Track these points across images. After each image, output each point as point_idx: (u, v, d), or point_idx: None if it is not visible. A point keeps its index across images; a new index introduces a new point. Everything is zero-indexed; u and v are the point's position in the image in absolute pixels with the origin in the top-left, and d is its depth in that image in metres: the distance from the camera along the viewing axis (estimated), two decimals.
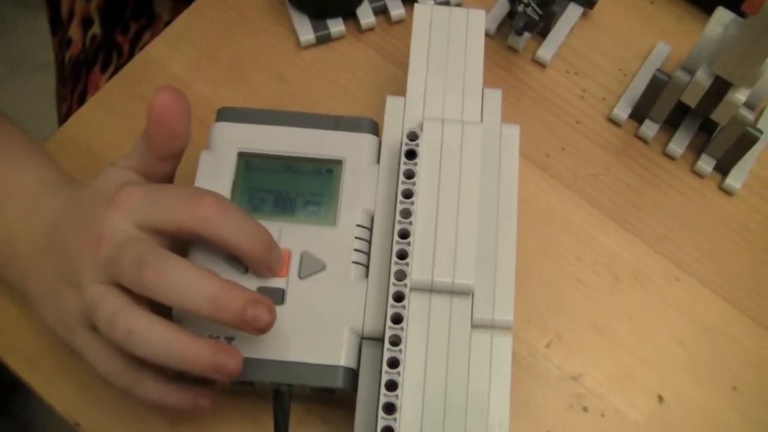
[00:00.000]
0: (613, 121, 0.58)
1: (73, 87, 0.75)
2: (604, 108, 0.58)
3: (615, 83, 0.59)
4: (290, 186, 0.47)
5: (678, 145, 0.56)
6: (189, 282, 0.39)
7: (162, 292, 0.39)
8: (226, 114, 0.49)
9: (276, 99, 0.57)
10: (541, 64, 0.60)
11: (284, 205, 0.47)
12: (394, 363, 0.41)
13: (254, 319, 0.40)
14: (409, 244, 0.43)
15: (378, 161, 0.48)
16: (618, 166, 0.57)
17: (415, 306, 0.43)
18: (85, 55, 0.76)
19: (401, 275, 0.43)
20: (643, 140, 0.57)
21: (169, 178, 0.47)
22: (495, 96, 0.50)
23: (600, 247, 0.54)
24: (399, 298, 0.42)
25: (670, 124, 0.57)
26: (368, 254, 0.46)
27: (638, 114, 0.57)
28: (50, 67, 1.46)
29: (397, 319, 0.42)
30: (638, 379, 0.51)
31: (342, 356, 0.43)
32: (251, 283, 0.44)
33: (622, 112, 0.58)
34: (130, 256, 0.40)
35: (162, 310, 0.41)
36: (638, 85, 0.58)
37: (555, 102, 0.59)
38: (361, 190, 0.47)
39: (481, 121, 0.49)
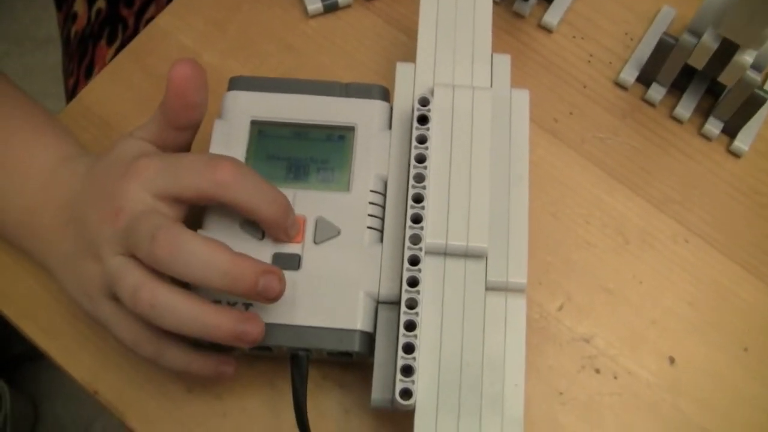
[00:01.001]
0: (620, 85, 0.57)
1: (80, 61, 0.75)
2: (611, 72, 0.58)
3: (621, 47, 0.59)
4: (303, 153, 0.47)
5: (685, 108, 0.56)
6: (201, 257, 0.39)
7: (174, 268, 0.40)
8: (238, 83, 0.49)
9: (284, 68, 0.57)
10: (548, 30, 0.59)
11: (298, 172, 0.47)
12: (410, 326, 0.41)
13: (266, 290, 0.40)
14: (423, 208, 0.44)
15: (389, 127, 0.48)
16: (625, 130, 0.56)
17: (430, 269, 0.43)
18: (90, 29, 0.75)
19: (416, 239, 0.43)
20: (650, 104, 0.57)
21: (185, 149, 0.47)
22: (504, 61, 0.50)
23: (609, 209, 0.54)
24: (414, 261, 0.43)
25: (677, 88, 0.57)
26: (382, 219, 0.46)
27: (645, 78, 0.57)
28: (51, 43, 1.46)
29: (413, 283, 0.42)
30: (649, 340, 0.51)
31: (358, 320, 0.43)
32: (267, 248, 0.44)
33: (629, 75, 0.57)
34: (144, 231, 0.40)
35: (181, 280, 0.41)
36: (645, 49, 0.57)
37: (562, 67, 0.58)
38: (374, 155, 0.47)
39: (491, 86, 0.49)
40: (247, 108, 0.47)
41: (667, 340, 0.51)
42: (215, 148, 0.46)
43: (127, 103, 0.56)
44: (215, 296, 0.43)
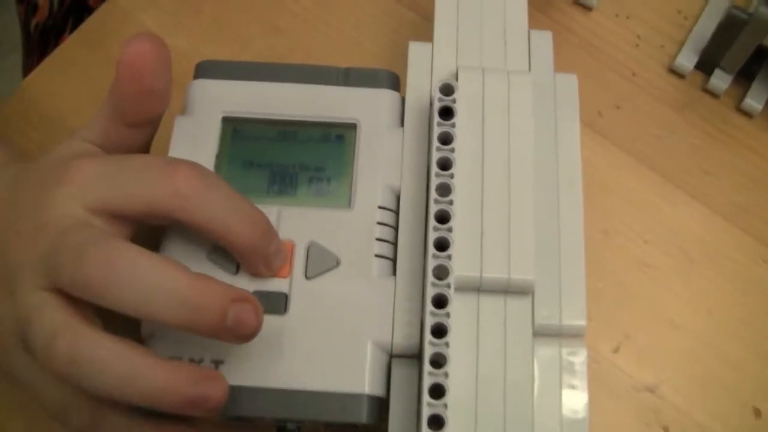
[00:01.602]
0: (676, 72, 0.49)
1: (41, 56, 0.67)
2: (664, 57, 0.50)
3: (674, 27, 0.51)
4: (291, 158, 0.38)
5: (756, 98, 0.48)
6: (147, 279, 0.30)
7: (111, 294, 0.30)
8: (206, 69, 0.40)
9: (270, 54, 0.49)
10: (586, 6, 0.51)
11: (283, 183, 0.38)
12: (437, 390, 0.31)
13: (238, 323, 0.31)
14: (449, 230, 0.33)
15: (401, 124, 0.39)
16: (684, 126, 0.48)
17: (461, 311, 0.33)
18: (53, 20, 0.68)
19: (442, 272, 0.33)
20: (713, 94, 0.49)
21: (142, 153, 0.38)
22: (544, 39, 0.41)
23: (668, 221, 0.46)
24: (440, 302, 0.33)
25: (745, 75, 0.48)
26: (395, 244, 0.37)
27: (706, 63, 0.49)
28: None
29: (440, 331, 0.32)
30: (728, 387, 0.42)
31: (366, 381, 0.34)
32: (243, 286, 0.34)
33: (686, 60, 0.49)
34: (69, 248, 0.31)
35: (129, 329, 0.33)
36: (703, 29, 0.49)
37: (605, 51, 0.50)
38: (382, 161, 0.38)
39: (529, 70, 0.39)
40: (218, 101, 0.39)
41: (750, 386, 0.42)
42: (176, 152, 0.37)
43: (78, 96, 0.48)
44: (173, 353, 0.32)
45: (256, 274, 0.35)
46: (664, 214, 0.46)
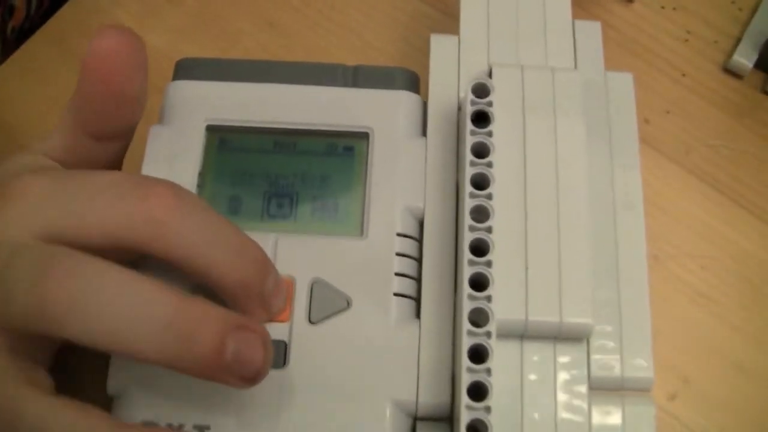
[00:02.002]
0: (732, 72, 0.44)
1: None
2: (718, 54, 0.45)
3: (728, 20, 0.45)
4: (289, 175, 0.32)
5: None
6: (124, 297, 0.24)
7: (77, 319, 0.24)
8: (188, 68, 0.34)
9: (263, 53, 0.44)
10: None
11: (281, 206, 0.31)
12: None
13: (239, 359, 0.25)
14: (488, 264, 0.27)
15: (423, 132, 0.33)
16: (743, 134, 0.43)
17: (503, 366, 0.27)
18: (30, 23, 0.62)
19: (480, 317, 0.26)
20: None
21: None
22: (591, 31, 0.35)
23: (728, 245, 0.40)
24: (479, 355, 0.26)
25: None
26: (418, 280, 0.30)
27: (767, 61, 0.43)
28: None
29: (478, 391, 0.25)
30: None
31: None
32: None
33: (744, 58, 0.44)
34: (20, 270, 0.25)
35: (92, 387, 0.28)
36: (762, 21, 0.44)
37: (650, 48, 0.45)
38: (401, 177, 0.31)
39: (575, 67, 0.32)
40: (201, 106, 0.33)
41: None
42: (150, 169, 0.31)
43: (40, 102, 0.43)
44: (147, 415, 0.26)
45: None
46: (724, 236, 0.41)
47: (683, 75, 0.44)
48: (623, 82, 0.33)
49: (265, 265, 0.28)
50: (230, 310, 0.26)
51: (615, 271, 0.30)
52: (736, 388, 0.37)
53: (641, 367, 0.29)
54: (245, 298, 0.28)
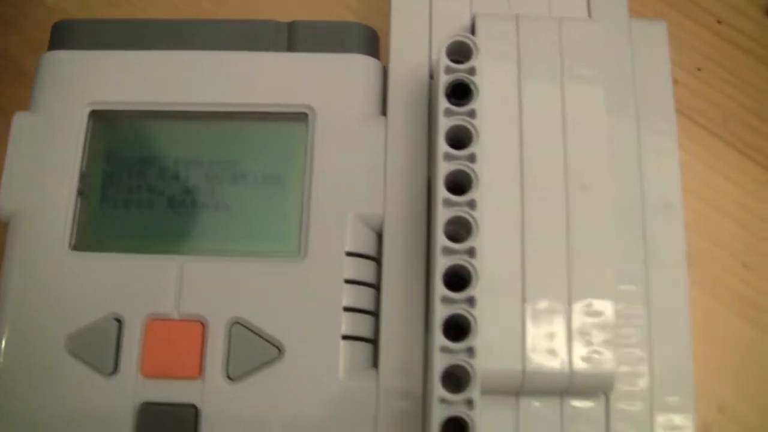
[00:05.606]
0: None
1: None
2: None
3: None
4: (201, 175, 0.25)
5: None
6: None
7: None
8: (68, 33, 0.27)
9: (180, 10, 0.37)
10: None
11: (189, 217, 0.25)
12: None
13: None
14: (470, 301, 0.19)
15: (383, 110, 0.25)
16: None
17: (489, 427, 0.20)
18: None
19: (459, 375, 0.19)
20: None
21: None
22: None
23: None
24: (458, 428, 0.19)
25: None
26: (375, 315, 0.24)
27: None
28: None
29: None
30: None
31: None
32: (125, 392, 0.23)
33: None
34: None
35: None
36: None
37: None
38: (352, 174, 0.25)
39: (589, 15, 0.25)
40: (83, 84, 0.26)
41: None
42: (13, 172, 0.25)
43: None
44: None
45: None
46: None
47: (718, 22, 0.38)
48: (655, 35, 0.26)
49: None
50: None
51: (644, 290, 0.23)
52: None
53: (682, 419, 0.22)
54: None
